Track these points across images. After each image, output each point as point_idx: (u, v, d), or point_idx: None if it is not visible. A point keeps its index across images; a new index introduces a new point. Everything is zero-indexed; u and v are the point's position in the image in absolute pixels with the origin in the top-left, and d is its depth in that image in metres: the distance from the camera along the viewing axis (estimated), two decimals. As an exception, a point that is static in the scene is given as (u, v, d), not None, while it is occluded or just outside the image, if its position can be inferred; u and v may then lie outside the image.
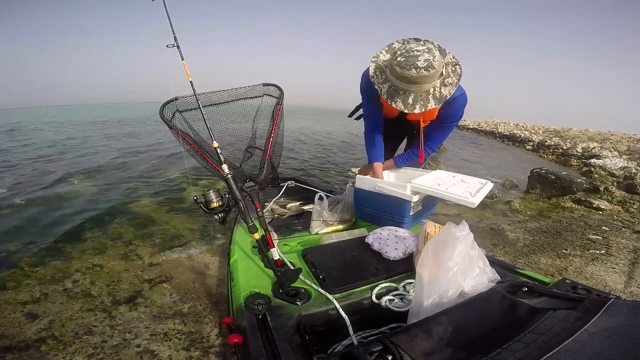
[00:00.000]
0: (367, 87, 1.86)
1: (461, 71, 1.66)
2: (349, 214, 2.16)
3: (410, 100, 1.65)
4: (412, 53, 1.55)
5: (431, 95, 1.63)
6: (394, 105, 1.69)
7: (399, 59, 1.59)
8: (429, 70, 1.54)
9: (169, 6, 1.67)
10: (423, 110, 1.65)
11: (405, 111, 1.68)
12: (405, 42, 1.69)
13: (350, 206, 2.18)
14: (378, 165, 2.11)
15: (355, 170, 2.29)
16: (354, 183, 2.16)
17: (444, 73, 1.63)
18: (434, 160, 6.36)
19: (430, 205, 2.17)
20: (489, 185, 1.91)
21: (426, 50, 1.55)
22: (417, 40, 1.70)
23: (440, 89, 1.63)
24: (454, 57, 1.68)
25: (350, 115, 2.51)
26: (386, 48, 1.77)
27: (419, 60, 1.53)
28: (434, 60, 1.54)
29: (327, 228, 2.04)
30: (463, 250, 1.17)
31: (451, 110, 1.86)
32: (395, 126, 2.23)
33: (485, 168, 6.89)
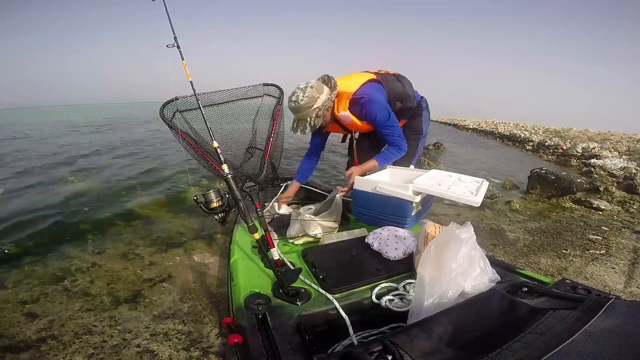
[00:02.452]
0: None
1: (331, 103, 2.10)
2: (334, 222, 2.06)
3: (294, 125, 2.12)
4: (294, 90, 2.05)
5: (307, 123, 2.06)
6: (290, 128, 2.19)
7: (290, 94, 2.09)
8: (295, 104, 2.02)
9: (169, 6, 1.67)
10: (303, 134, 2.12)
11: (292, 132, 2.17)
12: (303, 83, 2.08)
13: (335, 217, 2.08)
14: (293, 185, 2.50)
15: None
16: (343, 191, 2.15)
17: (317, 107, 2.02)
18: (434, 160, 6.36)
19: (427, 205, 2.17)
20: (486, 184, 1.91)
21: (302, 88, 2.02)
22: (322, 77, 2.14)
23: (314, 119, 2.05)
24: (330, 95, 2.07)
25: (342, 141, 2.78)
26: None
27: (293, 95, 2.03)
28: (302, 97, 1.99)
29: (303, 239, 1.96)
30: (466, 252, 1.17)
31: (370, 118, 2.13)
32: (367, 139, 2.49)
33: (485, 168, 6.89)
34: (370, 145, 2.49)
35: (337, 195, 2.08)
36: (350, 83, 2.14)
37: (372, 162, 2.21)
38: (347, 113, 2.13)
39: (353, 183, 2.07)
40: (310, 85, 2.03)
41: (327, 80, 2.13)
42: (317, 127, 2.10)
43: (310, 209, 2.04)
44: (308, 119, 2.05)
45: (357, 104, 2.10)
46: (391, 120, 2.15)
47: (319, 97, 2.02)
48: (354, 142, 2.48)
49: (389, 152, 2.22)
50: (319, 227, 1.93)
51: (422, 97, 2.46)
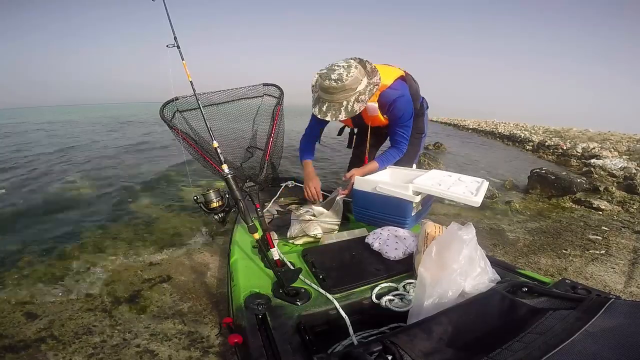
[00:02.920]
0: None
1: (376, 89, 1.93)
2: (334, 222, 2.03)
3: (324, 108, 1.91)
4: (332, 67, 1.83)
5: (343, 108, 1.86)
6: (313, 111, 1.98)
7: (322, 71, 1.87)
8: (338, 83, 1.79)
9: (169, 6, 1.67)
10: (334, 119, 1.92)
11: (319, 117, 1.94)
12: (342, 60, 1.90)
13: (336, 217, 2.06)
14: (307, 163, 2.35)
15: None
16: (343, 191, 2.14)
17: (359, 90, 1.85)
18: (434, 160, 6.36)
19: (427, 205, 2.17)
20: (486, 184, 1.92)
21: (345, 67, 1.81)
22: (355, 59, 1.94)
23: (353, 104, 1.85)
24: (378, 79, 1.93)
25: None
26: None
27: (333, 74, 1.80)
28: (346, 76, 1.78)
29: (303, 239, 1.96)
30: (468, 252, 1.17)
31: (397, 113, 2.06)
32: (365, 134, 2.40)
33: (485, 168, 6.88)
34: (377, 141, 2.51)
35: (338, 197, 2.08)
36: (385, 75, 2.03)
37: (374, 164, 2.20)
38: (376, 105, 2.04)
39: (351, 177, 2.08)
40: (354, 65, 1.84)
41: (365, 64, 1.95)
42: (355, 113, 1.88)
43: (311, 209, 2.03)
44: (345, 103, 1.86)
45: (389, 98, 2.03)
46: (410, 121, 2.14)
47: (362, 80, 1.86)
48: (368, 136, 2.37)
49: (390, 154, 2.21)
50: (319, 227, 1.92)
51: (423, 97, 2.46)
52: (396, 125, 2.14)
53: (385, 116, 2.12)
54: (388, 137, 2.56)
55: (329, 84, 1.81)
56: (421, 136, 2.50)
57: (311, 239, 1.91)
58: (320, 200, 2.24)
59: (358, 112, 1.88)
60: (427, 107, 2.51)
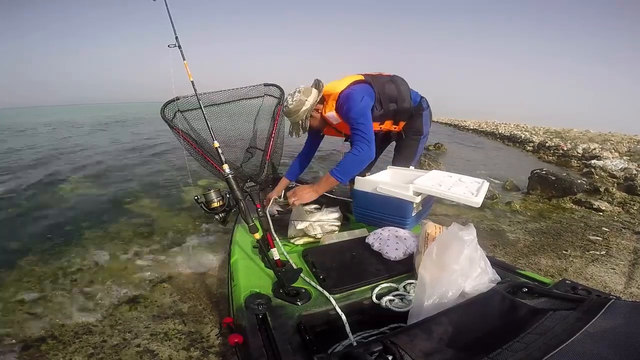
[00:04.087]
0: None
1: (315, 104, 2.14)
2: (335, 224, 2.01)
3: (290, 129, 2.23)
4: (291, 93, 2.14)
5: (300, 126, 2.14)
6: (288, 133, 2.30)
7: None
8: (285, 109, 2.13)
9: (170, 6, 1.67)
10: (297, 136, 2.23)
11: (290, 137, 2.32)
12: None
13: (336, 217, 2.05)
14: (282, 180, 2.47)
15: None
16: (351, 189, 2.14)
17: (306, 109, 2.10)
18: (434, 160, 6.36)
19: (428, 205, 2.17)
20: (486, 185, 1.91)
21: (291, 95, 2.13)
22: (312, 85, 2.19)
23: (304, 121, 2.13)
24: (318, 94, 2.15)
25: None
26: None
27: (289, 99, 2.12)
28: (290, 102, 2.09)
29: (303, 239, 1.93)
30: (468, 253, 1.17)
31: (344, 113, 2.08)
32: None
33: (486, 169, 6.88)
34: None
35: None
36: (339, 84, 2.14)
37: (328, 180, 2.01)
38: (334, 113, 2.13)
39: (298, 198, 2.03)
40: (298, 90, 2.12)
41: (317, 84, 2.19)
42: (307, 128, 2.17)
43: (311, 209, 2.03)
44: (300, 122, 2.12)
45: (339, 102, 2.09)
46: (364, 119, 2.01)
47: (306, 100, 2.09)
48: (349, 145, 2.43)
49: (346, 160, 1.98)
50: (319, 228, 1.92)
51: (422, 97, 2.44)
52: (350, 124, 2.02)
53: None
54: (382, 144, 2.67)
55: (286, 109, 2.14)
56: (419, 137, 2.46)
57: (311, 239, 1.91)
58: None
59: (307, 127, 2.17)
60: (427, 107, 2.46)
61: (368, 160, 1.98)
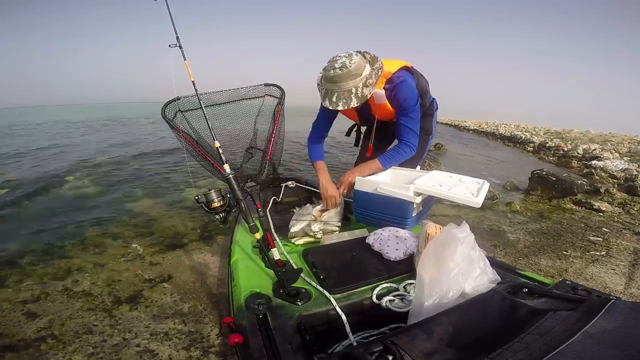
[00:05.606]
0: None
1: (381, 73, 1.92)
2: (336, 223, 2.02)
3: (334, 99, 1.90)
4: (334, 59, 1.86)
5: (353, 95, 1.86)
6: (324, 104, 1.97)
7: (326, 64, 1.89)
8: (342, 70, 1.80)
9: (171, 5, 1.67)
10: (346, 107, 1.90)
11: (330, 108, 1.94)
12: (341, 53, 1.93)
13: (338, 215, 2.07)
14: (320, 166, 2.27)
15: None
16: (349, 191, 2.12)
17: (365, 75, 1.86)
18: (435, 161, 6.36)
19: (428, 206, 2.16)
20: (487, 185, 1.91)
21: (346, 56, 1.84)
22: (354, 51, 1.94)
23: (362, 89, 1.86)
24: (380, 64, 1.94)
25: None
26: None
27: (336, 63, 1.82)
28: (349, 63, 1.80)
29: (304, 239, 1.95)
30: (464, 251, 1.17)
31: (399, 99, 1.99)
32: (383, 132, 2.34)
33: (486, 169, 6.88)
34: (384, 138, 2.45)
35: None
36: (390, 64, 2.04)
37: (374, 163, 2.12)
38: (382, 92, 2.01)
39: (349, 182, 2.06)
40: (354, 53, 1.88)
41: (363, 54, 1.96)
42: (367, 98, 1.91)
43: (311, 209, 2.03)
44: (355, 90, 1.86)
45: (392, 83, 1.99)
46: (416, 111, 2.04)
47: (365, 66, 1.88)
48: (373, 131, 2.28)
49: (396, 151, 2.11)
50: (319, 227, 1.92)
51: (433, 98, 2.42)
52: (402, 114, 2.03)
53: (391, 105, 2.06)
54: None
55: (334, 72, 1.82)
56: (428, 137, 2.44)
57: (312, 239, 1.90)
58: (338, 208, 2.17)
59: (368, 96, 1.89)
60: (437, 109, 2.45)
61: (411, 154, 2.11)
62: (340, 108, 1.92)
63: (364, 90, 1.87)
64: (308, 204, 2.15)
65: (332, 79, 1.85)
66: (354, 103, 1.88)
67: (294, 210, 2.12)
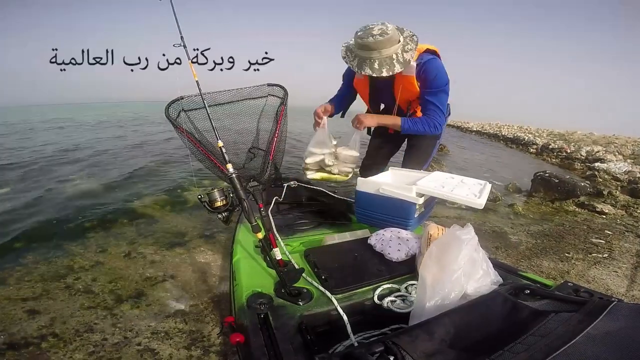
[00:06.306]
0: (348, 70, 2.27)
1: (417, 39, 1.94)
2: (351, 165, 1.99)
3: (376, 66, 1.88)
4: (367, 27, 1.86)
5: (395, 60, 1.87)
6: (363, 73, 1.93)
7: (359, 32, 1.88)
8: (383, 36, 1.80)
9: (175, 5, 1.67)
10: (390, 73, 1.88)
11: (374, 75, 1.90)
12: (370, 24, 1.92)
13: (353, 158, 2.03)
14: (328, 105, 2.25)
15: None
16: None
17: (402, 42, 1.88)
18: (437, 162, 6.35)
19: (430, 207, 2.16)
20: (489, 186, 1.91)
21: (380, 23, 1.84)
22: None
23: (402, 54, 1.87)
24: (411, 31, 1.95)
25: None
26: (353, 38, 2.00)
27: (373, 30, 1.82)
28: (387, 30, 1.80)
29: (319, 173, 1.87)
30: (468, 253, 1.17)
31: (429, 74, 1.97)
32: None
33: (489, 171, 6.88)
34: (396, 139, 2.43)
35: (354, 134, 2.06)
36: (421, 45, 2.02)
37: (395, 119, 2.07)
38: (414, 64, 1.97)
39: (363, 119, 2.05)
40: (386, 23, 1.87)
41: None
42: (408, 63, 1.90)
43: (329, 141, 1.97)
44: (395, 56, 1.87)
45: (421, 59, 1.97)
46: (445, 91, 2.02)
47: (400, 35, 1.90)
48: (395, 110, 2.21)
49: (421, 121, 2.05)
50: (335, 162, 1.87)
51: (448, 103, 2.34)
52: (428, 94, 2.00)
53: (418, 83, 2.03)
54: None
55: (375, 39, 1.81)
56: (436, 141, 2.41)
57: (325, 175, 1.85)
58: (321, 120, 2.15)
59: (410, 61, 1.89)
60: (449, 114, 2.34)
61: (434, 132, 2.09)
62: (384, 74, 1.88)
63: (405, 55, 1.88)
64: (323, 132, 2.08)
65: (372, 46, 1.84)
66: (397, 68, 1.88)
67: (296, 211, 2.11)
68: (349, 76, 2.30)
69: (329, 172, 1.83)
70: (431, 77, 1.96)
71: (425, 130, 2.06)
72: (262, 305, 1.24)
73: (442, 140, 2.51)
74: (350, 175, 1.94)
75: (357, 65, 1.95)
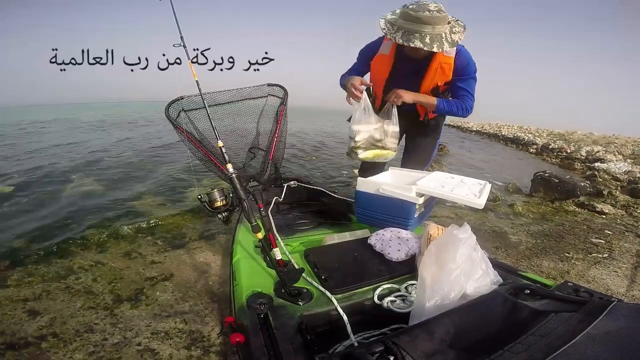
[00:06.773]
0: (366, 48, 2.23)
1: (464, 25, 1.95)
2: (395, 141, 1.99)
3: (427, 40, 1.84)
4: (420, 3, 1.84)
5: (444, 39, 1.86)
6: (412, 45, 1.85)
7: (411, 6, 1.86)
8: (440, 13, 1.80)
9: (175, 5, 1.67)
10: (440, 50, 1.86)
11: (425, 49, 1.85)
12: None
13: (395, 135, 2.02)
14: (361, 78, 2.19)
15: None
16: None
17: (451, 23, 1.90)
18: (437, 162, 6.36)
19: (430, 207, 2.16)
20: (489, 186, 1.91)
21: (432, 1, 1.84)
22: None
23: (450, 35, 1.87)
24: (456, 17, 1.97)
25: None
26: (391, 11, 2.03)
27: (430, 6, 1.81)
28: (442, 8, 1.81)
29: (370, 151, 1.85)
30: (466, 252, 1.17)
31: (462, 61, 2.01)
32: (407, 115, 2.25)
33: (489, 171, 6.87)
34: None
35: (392, 107, 2.07)
36: None
37: (431, 99, 2.08)
38: (453, 50, 2.00)
39: (400, 94, 2.03)
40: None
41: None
42: (456, 43, 1.91)
43: (373, 117, 1.96)
44: (444, 35, 1.87)
45: (456, 47, 1.98)
46: (475, 79, 2.08)
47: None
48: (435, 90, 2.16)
49: (455, 103, 2.08)
50: (384, 136, 1.88)
51: None
52: (460, 80, 2.05)
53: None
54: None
55: (431, 14, 1.80)
56: (436, 140, 2.42)
57: (377, 151, 1.87)
58: (361, 94, 2.08)
59: (458, 42, 1.91)
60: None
61: (464, 115, 2.11)
62: (435, 50, 1.86)
63: (453, 36, 1.89)
64: (365, 106, 2.06)
65: (427, 21, 1.81)
66: (447, 47, 1.87)
67: (296, 211, 2.11)
68: (367, 55, 2.24)
69: (382, 147, 1.82)
70: (464, 64, 2.01)
71: (458, 112, 2.09)
72: (262, 305, 1.24)
73: (442, 140, 2.51)
74: (396, 151, 1.94)
75: (404, 38, 1.88)
